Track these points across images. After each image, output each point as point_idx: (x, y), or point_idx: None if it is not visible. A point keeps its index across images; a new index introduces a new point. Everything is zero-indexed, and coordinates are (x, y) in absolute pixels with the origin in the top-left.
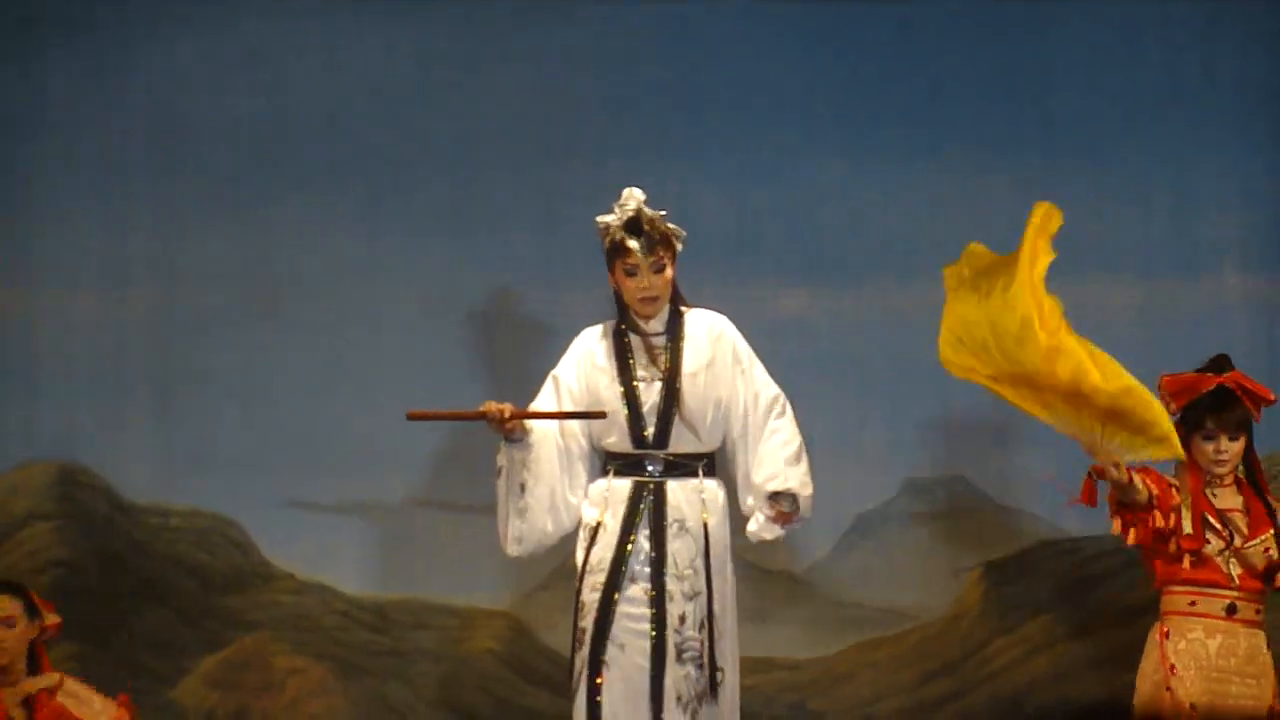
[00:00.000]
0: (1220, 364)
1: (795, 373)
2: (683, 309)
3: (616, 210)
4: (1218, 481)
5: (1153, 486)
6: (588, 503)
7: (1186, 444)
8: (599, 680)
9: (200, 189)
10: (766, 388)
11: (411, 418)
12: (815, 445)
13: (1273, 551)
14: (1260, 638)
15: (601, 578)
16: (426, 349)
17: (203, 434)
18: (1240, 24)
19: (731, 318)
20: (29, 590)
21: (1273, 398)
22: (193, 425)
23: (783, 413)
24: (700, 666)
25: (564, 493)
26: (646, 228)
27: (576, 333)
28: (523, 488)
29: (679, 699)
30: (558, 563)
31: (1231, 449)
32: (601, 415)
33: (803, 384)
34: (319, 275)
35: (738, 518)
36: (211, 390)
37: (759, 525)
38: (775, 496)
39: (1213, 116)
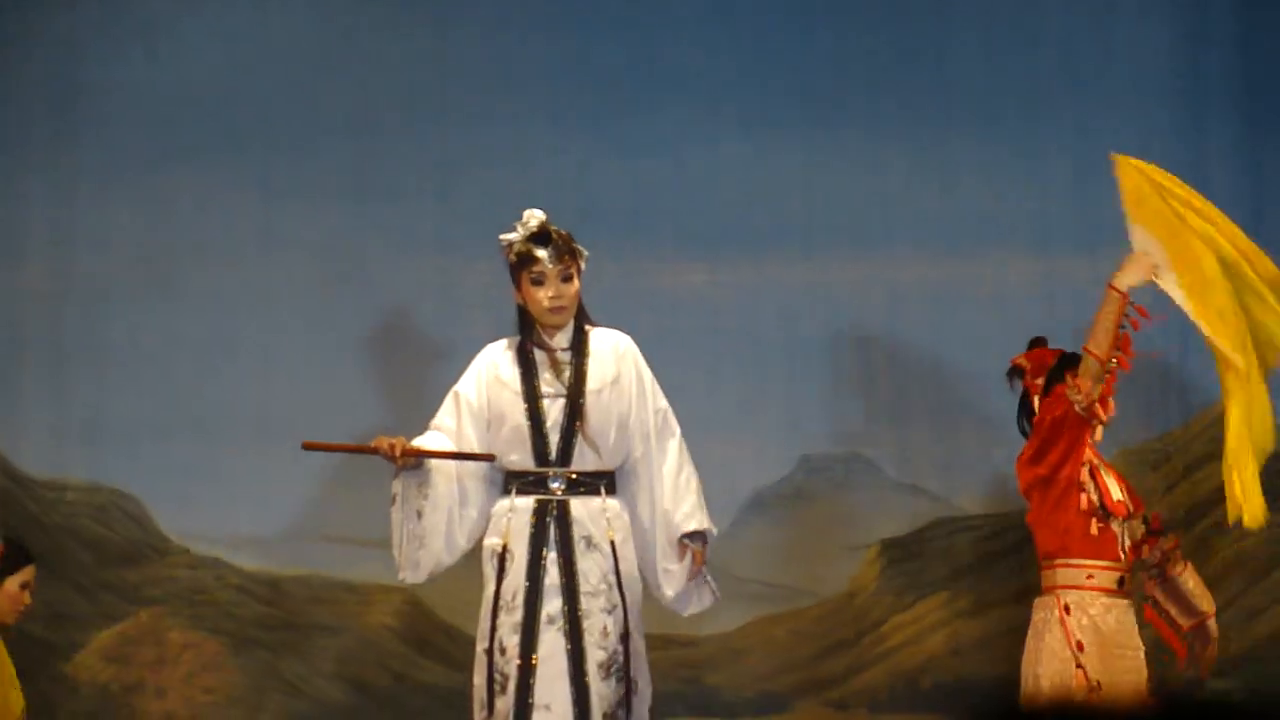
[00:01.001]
0: (1040, 341)
1: (693, 348)
2: (587, 327)
3: (519, 228)
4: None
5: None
6: (491, 526)
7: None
8: None
9: (98, 159)
10: (666, 409)
11: (306, 448)
12: (713, 421)
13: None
14: (1133, 611)
15: (519, 616)
16: (324, 319)
17: (99, 406)
18: (1138, 4)
19: (628, 293)
20: None
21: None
22: (89, 397)
23: (675, 434)
24: (620, 680)
25: (458, 515)
26: (554, 237)
27: (474, 301)
28: (419, 514)
29: (605, 716)
30: None
31: None
32: (490, 458)
33: (700, 359)
34: (217, 245)
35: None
36: (108, 362)
37: (678, 587)
38: (690, 536)
39: (1111, 96)
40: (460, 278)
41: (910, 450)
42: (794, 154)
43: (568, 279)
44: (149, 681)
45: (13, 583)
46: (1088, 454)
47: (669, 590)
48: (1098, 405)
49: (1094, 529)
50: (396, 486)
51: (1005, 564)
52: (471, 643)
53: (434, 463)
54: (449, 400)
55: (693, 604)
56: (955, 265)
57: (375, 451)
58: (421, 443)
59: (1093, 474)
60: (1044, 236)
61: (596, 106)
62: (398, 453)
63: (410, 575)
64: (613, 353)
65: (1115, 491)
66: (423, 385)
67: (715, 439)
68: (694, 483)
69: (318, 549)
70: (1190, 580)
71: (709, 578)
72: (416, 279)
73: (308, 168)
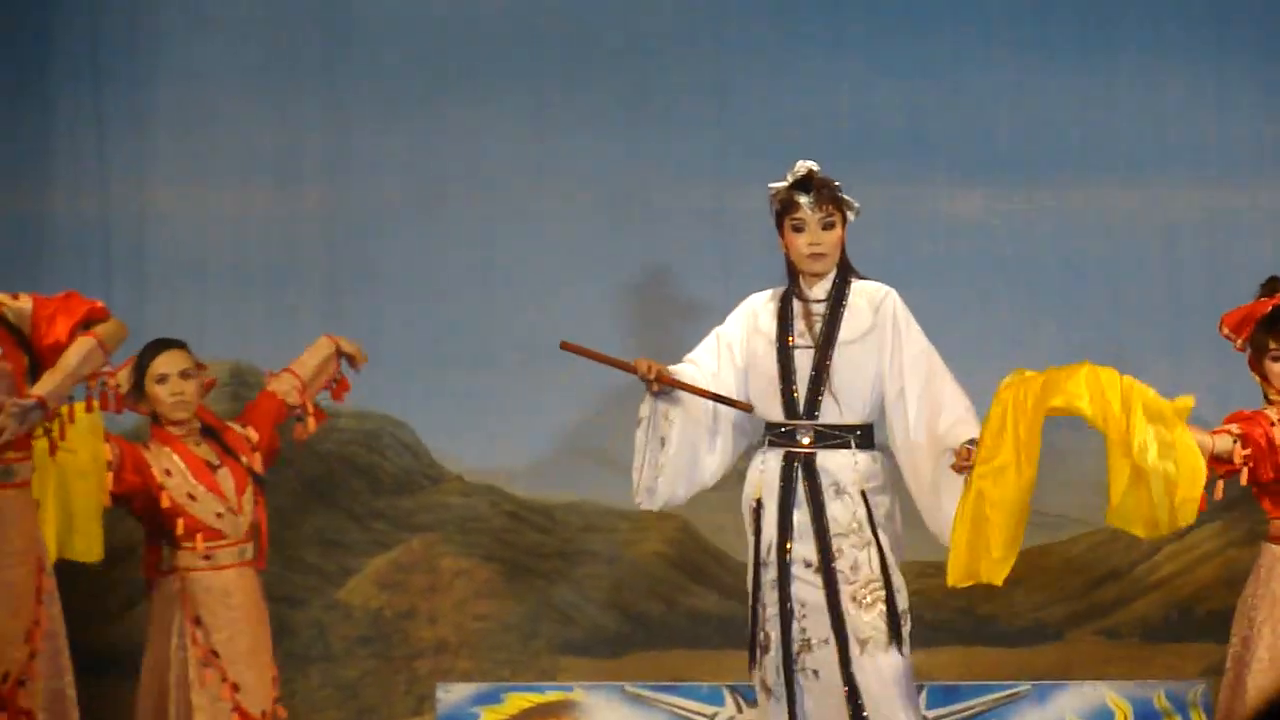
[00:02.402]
0: (1274, 285)
1: (968, 275)
2: (852, 279)
3: (789, 178)
4: None
5: (1232, 430)
6: (748, 479)
7: (1262, 374)
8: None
9: (371, 87)
10: (928, 349)
11: (564, 348)
12: (986, 349)
13: None
14: None
15: (773, 573)
16: (597, 247)
17: (371, 332)
18: None
19: (903, 219)
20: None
21: None
22: (361, 324)
23: (938, 369)
24: (886, 612)
25: (704, 453)
26: (818, 183)
27: (748, 231)
28: (663, 442)
29: (866, 642)
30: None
31: None
32: (748, 408)
33: (975, 287)
34: (489, 174)
35: (916, 545)
36: (381, 289)
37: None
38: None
39: None
40: (736, 205)
41: (1185, 380)
42: (1069, 79)
43: (829, 227)
44: (421, 608)
45: (151, 377)
46: None
47: (941, 523)
48: None
49: None
50: (645, 410)
51: None
52: (743, 568)
53: (687, 397)
54: (710, 339)
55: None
56: (1231, 192)
57: (633, 370)
58: (679, 374)
59: None
60: None
61: (872, 31)
62: (653, 376)
63: (645, 501)
64: (870, 305)
65: None
66: (692, 316)
67: (988, 368)
68: (962, 400)
69: (591, 475)
70: None
71: None
72: (691, 207)
73: (581, 96)
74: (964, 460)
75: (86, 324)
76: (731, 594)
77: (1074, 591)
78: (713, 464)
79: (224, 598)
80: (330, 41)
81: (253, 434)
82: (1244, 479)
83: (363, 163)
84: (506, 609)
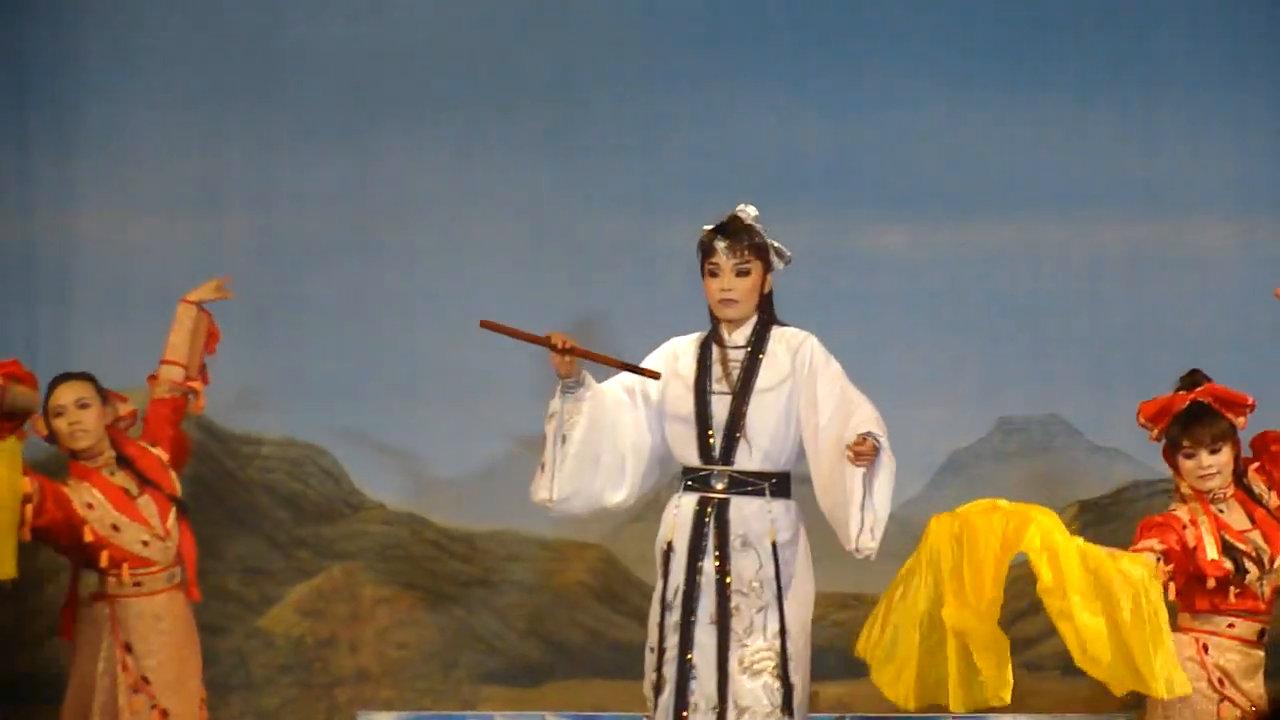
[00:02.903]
0: (1194, 379)
1: (893, 310)
2: (773, 325)
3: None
4: (1221, 497)
5: (1154, 547)
6: (663, 522)
7: (1175, 468)
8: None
9: (298, 117)
10: (841, 376)
11: (483, 326)
12: (911, 382)
13: None
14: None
15: (677, 615)
16: (524, 277)
17: (296, 362)
18: None
19: (829, 254)
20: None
21: (1251, 401)
22: (286, 353)
23: (851, 396)
24: (776, 678)
25: (605, 471)
26: (736, 229)
27: (675, 261)
28: (564, 440)
29: (744, 711)
30: (650, 496)
31: (1215, 462)
32: (655, 375)
33: (900, 321)
34: (415, 204)
35: (824, 543)
36: (306, 318)
37: (858, 513)
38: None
39: None
40: (662, 238)
41: (1108, 412)
42: (996, 116)
43: (743, 273)
44: (343, 636)
45: (50, 413)
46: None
47: (853, 531)
48: None
49: (1231, 595)
50: (554, 405)
51: None
52: None
53: (595, 406)
54: (627, 375)
55: (866, 526)
56: (1156, 227)
57: (547, 343)
58: (597, 387)
59: (1211, 527)
60: (1246, 199)
61: (800, 66)
62: (564, 347)
63: (542, 493)
64: (788, 351)
65: (1240, 545)
66: (621, 344)
67: (913, 401)
68: (871, 411)
69: (513, 504)
70: None
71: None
72: (617, 239)
73: (509, 126)
74: (859, 446)
75: None
76: None
77: (999, 621)
78: (615, 486)
79: (154, 623)
80: (257, 71)
81: (162, 453)
82: (1171, 594)
83: (289, 192)
84: (428, 637)
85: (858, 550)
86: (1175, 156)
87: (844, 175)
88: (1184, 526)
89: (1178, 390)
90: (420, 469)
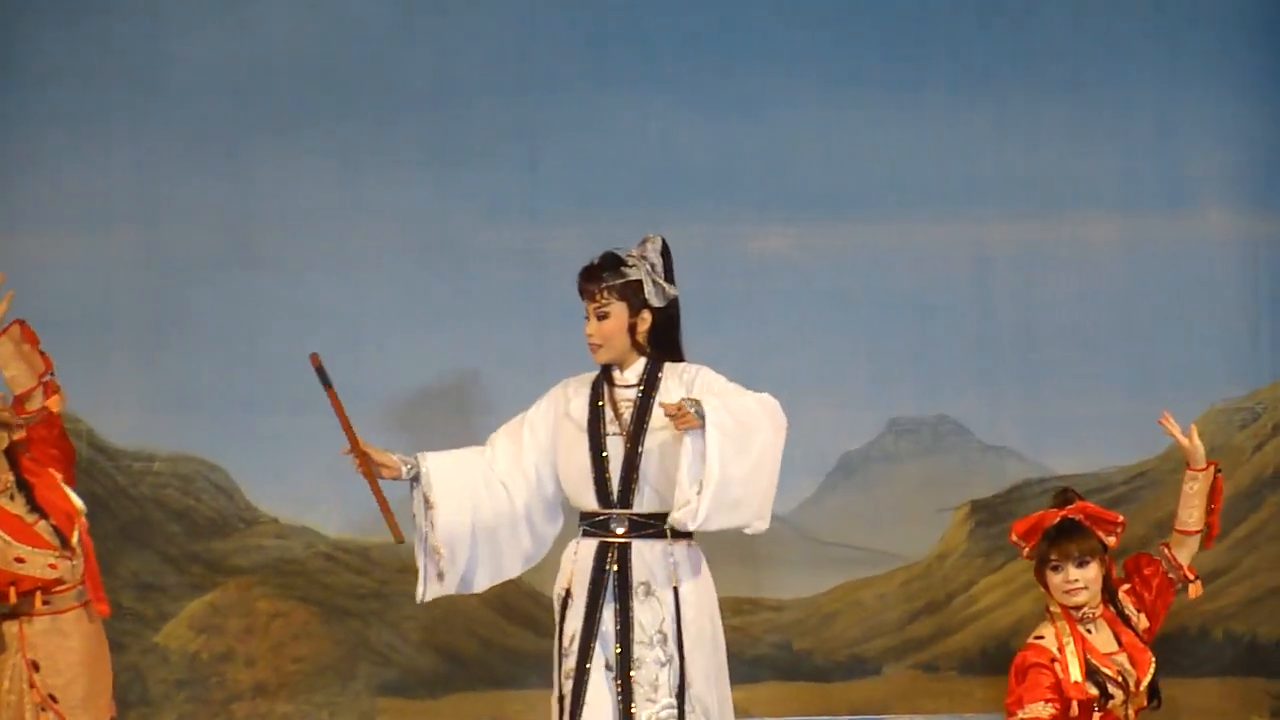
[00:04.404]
0: (1066, 497)
1: (779, 311)
2: (664, 362)
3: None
4: (1089, 616)
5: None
6: (561, 568)
7: (1044, 584)
8: None
9: (181, 129)
10: (730, 386)
11: (314, 363)
12: (800, 385)
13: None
14: None
15: (573, 662)
16: (410, 288)
17: (186, 376)
18: None
19: (714, 256)
20: None
21: (1121, 520)
22: (175, 368)
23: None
24: None
25: (508, 535)
26: (591, 272)
27: (560, 269)
28: (425, 536)
29: None
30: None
31: (1082, 576)
32: (399, 539)
33: (786, 323)
34: (301, 215)
35: (718, 550)
36: (194, 332)
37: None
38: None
39: (1196, 51)
40: (546, 245)
41: (998, 411)
42: (879, 115)
43: (602, 317)
44: (238, 651)
45: None
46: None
47: (679, 496)
48: None
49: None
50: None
51: None
52: None
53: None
54: (515, 423)
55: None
56: (1042, 225)
57: (350, 443)
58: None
59: (1077, 649)
60: (1128, 194)
61: (681, 69)
62: (354, 459)
63: (420, 592)
64: (681, 386)
65: (1107, 671)
66: (509, 354)
67: (803, 403)
68: (735, 399)
69: (406, 518)
70: None
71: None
72: (501, 248)
73: (390, 137)
74: (670, 409)
75: None
76: (546, 633)
77: (891, 625)
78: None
79: (62, 640)
80: (139, 88)
81: (55, 472)
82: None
83: (174, 208)
84: (324, 650)
85: (685, 518)
86: (1059, 153)
87: (726, 178)
88: (1052, 660)
89: (1049, 508)
90: (313, 482)
